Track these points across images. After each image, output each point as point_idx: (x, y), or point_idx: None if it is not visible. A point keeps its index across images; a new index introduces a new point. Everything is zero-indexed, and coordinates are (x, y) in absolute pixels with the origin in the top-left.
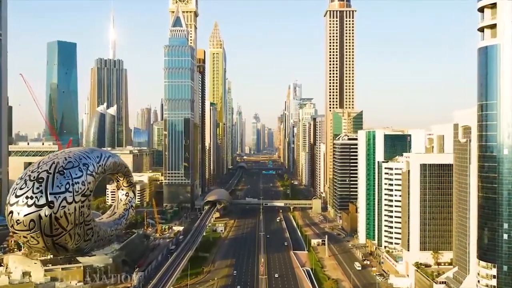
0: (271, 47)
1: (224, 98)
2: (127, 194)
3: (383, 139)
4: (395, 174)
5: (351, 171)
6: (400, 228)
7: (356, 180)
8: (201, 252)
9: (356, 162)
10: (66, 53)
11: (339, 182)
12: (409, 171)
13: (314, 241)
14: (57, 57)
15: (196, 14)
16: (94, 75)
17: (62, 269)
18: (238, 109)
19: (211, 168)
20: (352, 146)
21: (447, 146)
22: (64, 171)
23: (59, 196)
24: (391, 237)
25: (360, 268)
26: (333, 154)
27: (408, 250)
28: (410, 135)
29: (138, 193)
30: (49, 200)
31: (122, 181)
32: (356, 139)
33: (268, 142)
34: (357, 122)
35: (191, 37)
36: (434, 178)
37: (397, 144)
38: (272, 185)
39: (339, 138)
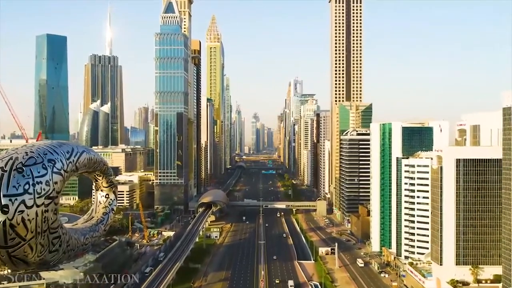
0: (269, 45)
1: (222, 95)
2: (107, 196)
3: (401, 133)
4: (418, 172)
5: (361, 170)
6: (423, 235)
7: (366, 180)
8: (191, 263)
9: (366, 160)
10: (55, 47)
11: (347, 182)
12: (441, 167)
13: (322, 250)
14: (46, 51)
15: (190, 1)
16: (88, 72)
17: (20, 287)
18: (237, 108)
19: (208, 167)
20: (361, 142)
21: (484, 138)
22: (24, 168)
23: (16, 199)
24: (412, 246)
25: (363, 265)
26: (340, 151)
27: (441, 264)
28: (432, 128)
29: (127, 194)
30: (3, 203)
31: (101, 181)
32: (366, 134)
33: (267, 142)
34: (366, 116)
35: (184, 25)
36: (474, 176)
37: (415, 138)
38: (272, 185)
39: (346, 133)
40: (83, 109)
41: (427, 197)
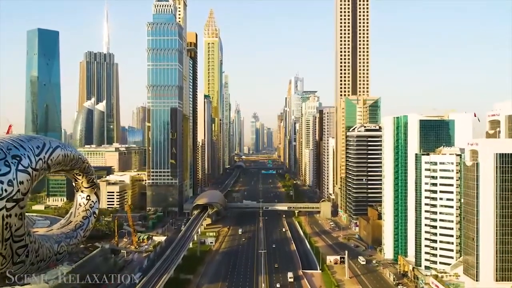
0: (268, 45)
1: (220, 92)
2: (88, 198)
3: (418, 127)
4: (441, 170)
5: (369, 169)
6: (448, 243)
7: (376, 179)
8: (182, 273)
9: (375, 158)
10: (47, 42)
11: (354, 182)
12: (477, 164)
13: (331, 259)
14: (38, 46)
15: None
16: (83, 69)
17: None
18: (236, 107)
19: (205, 167)
20: (370, 139)
21: None
22: None
23: None
24: (434, 255)
25: (364, 263)
26: (346, 149)
27: (477, 280)
28: (453, 121)
29: (117, 195)
30: None
31: (81, 180)
32: (375, 130)
33: (267, 142)
34: (374, 110)
35: (179, 14)
36: None
37: (432, 133)
38: (272, 186)
39: (353, 129)
40: (78, 108)
41: (452, 199)
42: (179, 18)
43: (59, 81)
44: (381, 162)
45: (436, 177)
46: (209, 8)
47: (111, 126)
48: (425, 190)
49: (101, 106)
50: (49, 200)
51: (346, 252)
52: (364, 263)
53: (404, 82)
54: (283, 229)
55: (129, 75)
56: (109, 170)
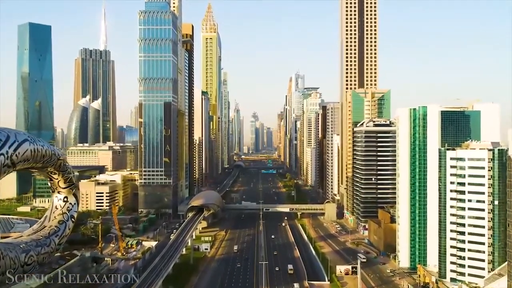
0: (268, 44)
1: (219, 90)
2: (65, 199)
3: (439, 119)
4: (470, 167)
5: (379, 167)
6: (479, 251)
7: (386, 179)
8: (172, 285)
9: (386, 155)
10: (39, 37)
11: (363, 182)
12: None
13: (341, 269)
14: (29, 41)
15: None
16: (79, 66)
17: None
18: (236, 106)
19: (203, 166)
20: (380, 134)
21: None
22: None
23: None
24: (462, 265)
25: (365, 260)
26: (353, 146)
27: None
28: (479, 112)
29: (107, 196)
30: None
31: (58, 180)
32: (385, 124)
33: (267, 141)
34: (381, 105)
35: (173, 3)
36: None
37: (453, 126)
38: (273, 186)
39: (361, 124)
40: (74, 106)
41: (483, 201)
42: (174, 7)
43: (52, 78)
44: (392, 159)
45: (464, 175)
46: (207, 5)
47: (107, 125)
48: (451, 191)
49: (97, 104)
50: (35, 202)
51: (359, 261)
52: (365, 260)
53: (403, 82)
54: (285, 233)
55: (128, 74)
56: (101, 170)
